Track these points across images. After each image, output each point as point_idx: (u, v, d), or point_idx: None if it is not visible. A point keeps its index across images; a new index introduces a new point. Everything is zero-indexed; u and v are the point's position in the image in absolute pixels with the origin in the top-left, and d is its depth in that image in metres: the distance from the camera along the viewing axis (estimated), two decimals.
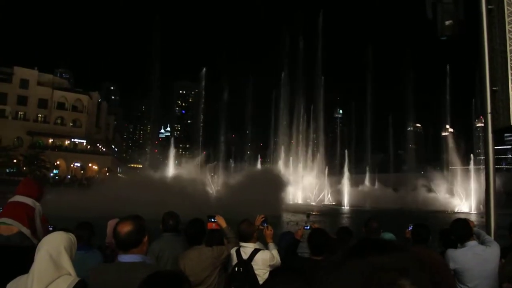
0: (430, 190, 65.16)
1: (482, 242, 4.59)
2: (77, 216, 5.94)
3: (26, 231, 4.06)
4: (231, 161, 72.89)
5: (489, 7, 5.89)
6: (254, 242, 4.76)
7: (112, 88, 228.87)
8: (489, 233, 5.65)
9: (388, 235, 6.09)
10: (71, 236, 2.91)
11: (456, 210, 56.07)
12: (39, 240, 4.17)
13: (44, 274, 2.56)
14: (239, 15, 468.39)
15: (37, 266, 2.58)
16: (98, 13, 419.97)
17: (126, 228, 3.01)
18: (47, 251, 2.65)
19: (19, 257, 3.34)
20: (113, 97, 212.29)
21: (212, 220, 5.08)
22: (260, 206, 22.29)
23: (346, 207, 57.70)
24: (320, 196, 64.41)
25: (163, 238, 4.92)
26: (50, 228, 5.06)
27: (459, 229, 4.65)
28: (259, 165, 69.00)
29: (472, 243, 4.47)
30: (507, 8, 5.66)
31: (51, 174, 79.03)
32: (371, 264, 0.75)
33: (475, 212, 50.35)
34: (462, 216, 5.60)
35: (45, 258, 2.62)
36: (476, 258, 4.33)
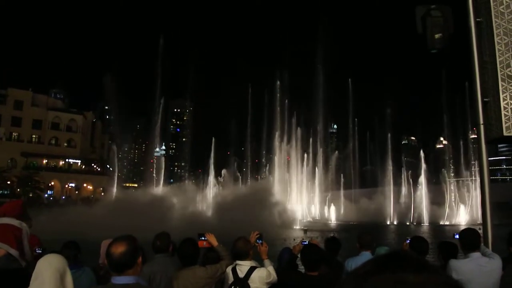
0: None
1: (483, 254, 4.53)
2: (66, 238, 5.85)
3: (14, 252, 3.98)
4: (225, 178, 72.52)
5: (478, 19, 5.98)
6: (250, 260, 4.69)
7: (107, 107, 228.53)
8: (486, 245, 5.61)
9: (383, 249, 6.05)
10: (64, 258, 2.90)
11: (448, 223, 56.19)
12: (26, 262, 4.11)
13: None
14: (233, 31, 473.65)
15: (47, 285, 2.55)
16: (93, 33, 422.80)
17: (119, 248, 2.93)
18: (57, 270, 2.64)
19: (8, 280, 3.27)
20: (107, 117, 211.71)
21: (203, 238, 4.99)
22: (253, 224, 22.31)
23: (342, 222, 57.62)
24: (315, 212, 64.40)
25: (155, 260, 4.83)
26: (38, 251, 4.96)
27: (470, 237, 4.59)
28: (253, 182, 68.80)
29: (476, 255, 4.41)
30: (495, 21, 5.74)
31: (46, 195, 78.34)
32: (398, 281, 0.68)
33: (469, 224, 50.29)
34: (454, 229, 5.58)
35: (56, 276, 2.60)
36: (479, 270, 4.26)
